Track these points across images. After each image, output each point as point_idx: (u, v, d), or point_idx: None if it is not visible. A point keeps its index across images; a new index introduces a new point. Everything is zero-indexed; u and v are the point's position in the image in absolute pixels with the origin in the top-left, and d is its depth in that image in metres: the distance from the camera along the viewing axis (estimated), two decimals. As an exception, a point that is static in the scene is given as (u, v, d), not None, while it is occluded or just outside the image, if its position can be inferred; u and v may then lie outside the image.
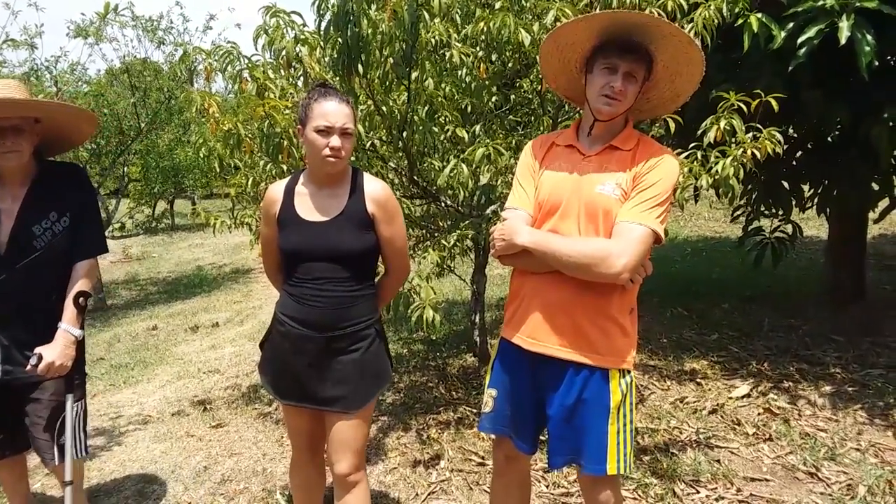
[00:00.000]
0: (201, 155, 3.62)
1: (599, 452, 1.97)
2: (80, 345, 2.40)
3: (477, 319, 4.63)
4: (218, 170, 3.64)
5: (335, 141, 2.05)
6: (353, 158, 3.11)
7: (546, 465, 3.25)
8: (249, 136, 3.20)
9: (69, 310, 2.35)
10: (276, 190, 2.24)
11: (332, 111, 2.06)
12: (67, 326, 2.33)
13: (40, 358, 2.23)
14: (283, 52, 2.94)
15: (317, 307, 2.15)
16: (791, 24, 3.54)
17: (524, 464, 2.31)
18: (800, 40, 3.44)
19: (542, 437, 2.20)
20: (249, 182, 3.66)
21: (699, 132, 3.07)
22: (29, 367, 2.23)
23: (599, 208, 1.91)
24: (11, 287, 2.31)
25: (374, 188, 2.21)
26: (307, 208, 2.18)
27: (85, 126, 2.55)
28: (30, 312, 2.36)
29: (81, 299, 2.37)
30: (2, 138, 2.23)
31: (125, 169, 10.85)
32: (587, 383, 1.96)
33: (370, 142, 3.63)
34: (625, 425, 1.99)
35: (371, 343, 2.24)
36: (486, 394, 2.18)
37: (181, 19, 16.92)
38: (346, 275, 2.16)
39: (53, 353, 2.26)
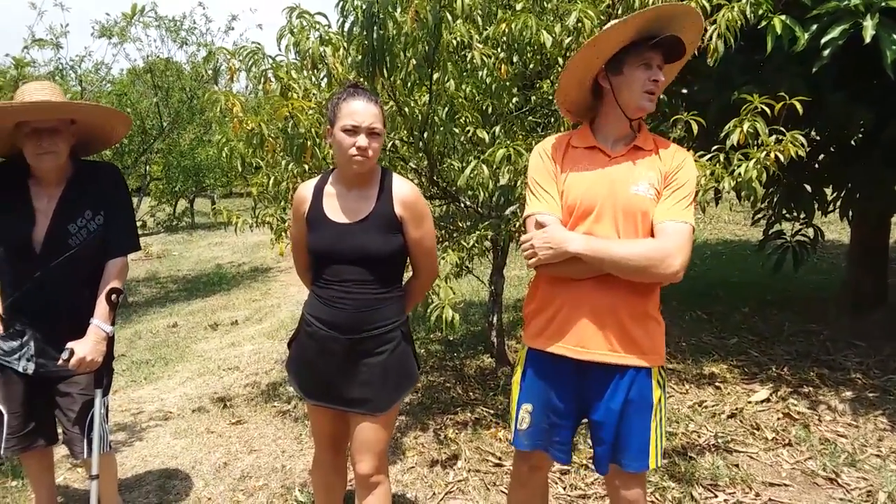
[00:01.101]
0: (224, 154, 3.66)
1: (642, 449, 1.98)
2: (109, 341, 2.45)
3: (494, 320, 4.64)
4: (240, 169, 3.68)
5: (362, 140, 2.03)
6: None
7: (563, 467, 3.27)
8: (272, 135, 3.23)
9: (101, 306, 2.40)
10: (306, 189, 2.23)
11: (359, 110, 2.04)
12: (99, 322, 2.38)
13: (72, 353, 2.28)
14: (309, 53, 2.97)
15: (343, 310, 2.13)
16: (815, 26, 3.51)
17: (546, 472, 2.30)
18: (823, 41, 3.41)
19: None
20: (271, 181, 3.69)
21: (722, 134, 3.05)
22: (61, 361, 2.28)
23: (637, 209, 1.91)
24: (46, 284, 2.36)
25: (403, 190, 2.18)
26: (335, 209, 2.16)
27: (119, 126, 2.58)
28: (63, 308, 2.40)
29: (114, 296, 2.42)
30: (38, 139, 2.26)
31: (147, 168, 10.98)
32: (633, 384, 1.96)
33: (391, 142, 3.64)
34: (660, 420, 2.01)
35: (397, 345, 2.22)
36: (522, 409, 2.12)
37: (203, 20, 17.07)
38: (373, 277, 2.14)
39: (85, 348, 2.31)
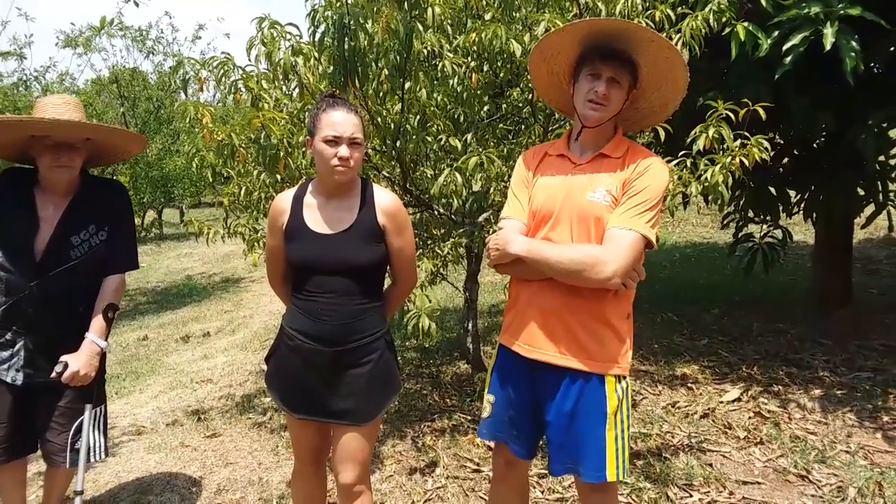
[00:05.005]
0: (194, 165, 3.63)
1: (598, 459, 1.97)
2: (102, 356, 2.46)
3: (470, 326, 4.65)
4: (211, 179, 3.66)
5: (343, 151, 2.04)
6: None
7: (542, 471, 3.29)
8: (243, 146, 3.22)
9: (97, 321, 2.41)
10: (284, 200, 2.21)
11: (339, 121, 2.05)
12: (94, 337, 2.39)
13: (66, 366, 2.29)
14: (280, 63, 2.97)
15: (328, 322, 2.12)
16: (777, 33, 3.59)
17: (523, 470, 2.32)
18: (785, 47, 3.49)
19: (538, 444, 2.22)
20: (243, 191, 3.67)
21: (688, 140, 3.11)
22: (54, 374, 2.28)
23: (591, 215, 1.94)
24: (43, 293, 2.35)
25: (385, 199, 2.20)
26: (317, 220, 2.15)
27: (134, 146, 2.66)
28: (57, 320, 2.40)
29: (110, 312, 2.43)
30: (58, 154, 2.30)
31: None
32: (584, 390, 1.98)
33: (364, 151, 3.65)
34: (622, 431, 2.00)
35: (381, 355, 2.23)
36: (485, 399, 2.20)
37: (170, 29, 16.92)
38: (358, 288, 2.14)
39: (79, 362, 2.32)
